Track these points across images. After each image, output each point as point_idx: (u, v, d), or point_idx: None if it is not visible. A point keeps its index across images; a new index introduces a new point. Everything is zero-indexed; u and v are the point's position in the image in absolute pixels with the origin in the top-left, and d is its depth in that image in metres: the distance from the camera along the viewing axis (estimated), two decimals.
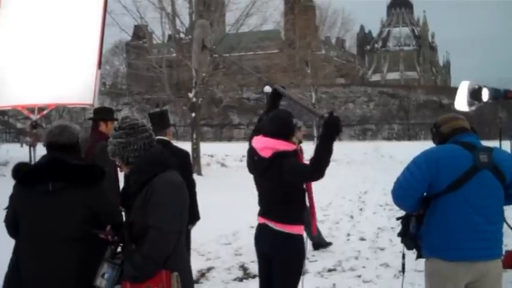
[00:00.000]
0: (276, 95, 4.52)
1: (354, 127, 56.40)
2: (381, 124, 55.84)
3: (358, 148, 34.43)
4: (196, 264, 7.72)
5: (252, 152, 4.21)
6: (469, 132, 3.82)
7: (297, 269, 4.20)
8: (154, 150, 3.40)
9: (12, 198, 3.80)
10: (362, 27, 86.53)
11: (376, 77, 78.62)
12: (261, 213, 4.26)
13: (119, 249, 3.43)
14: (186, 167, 5.68)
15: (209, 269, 7.53)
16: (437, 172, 3.61)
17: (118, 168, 3.47)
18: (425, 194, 3.75)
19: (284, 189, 4.06)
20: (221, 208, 11.44)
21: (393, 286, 6.36)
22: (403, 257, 4.09)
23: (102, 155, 4.76)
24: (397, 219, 4.09)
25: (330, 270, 7.36)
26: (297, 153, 4.16)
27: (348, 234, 9.88)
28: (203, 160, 21.56)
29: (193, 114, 19.96)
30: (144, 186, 3.23)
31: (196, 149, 19.09)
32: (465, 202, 3.59)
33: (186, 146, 21.10)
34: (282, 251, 4.09)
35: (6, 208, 3.83)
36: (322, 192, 16.16)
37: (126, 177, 3.38)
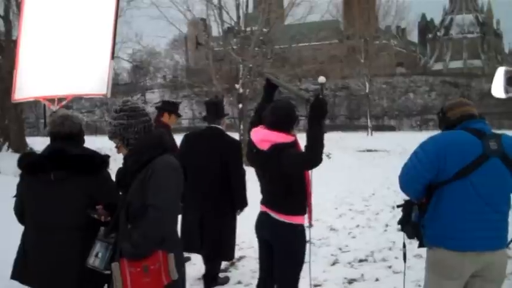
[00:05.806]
0: (270, 86, 4.52)
1: (414, 117, 55.18)
2: None
3: (415, 139, 33.22)
4: None
5: (251, 144, 4.22)
6: (478, 118, 3.65)
7: (299, 259, 4.21)
8: (154, 133, 3.47)
9: (18, 186, 3.92)
10: (424, 16, 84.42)
11: (438, 66, 76.19)
12: (264, 202, 4.30)
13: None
14: (237, 155, 5.93)
15: (240, 258, 7.52)
16: (446, 159, 3.47)
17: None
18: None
19: (285, 181, 4.07)
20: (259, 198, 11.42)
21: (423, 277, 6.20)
22: (404, 246, 4.01)
23: None
24: (398, 206, 3.97)
25: (361, 261, 7.26)
26: (296, 144, 4.13)
27: (386, 225, 9.62)
28: None
29: (240, 106, 20.06)
30: (143, 167, 3.29)
31: (243, 140, 19.06)
32: (473, 190, 3.45)
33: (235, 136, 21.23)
34: (284, 241, 4.13)
35: (15, 196, 3.95)
36: (366, 183, 15.92)
37: (124, 158, 3.45)
